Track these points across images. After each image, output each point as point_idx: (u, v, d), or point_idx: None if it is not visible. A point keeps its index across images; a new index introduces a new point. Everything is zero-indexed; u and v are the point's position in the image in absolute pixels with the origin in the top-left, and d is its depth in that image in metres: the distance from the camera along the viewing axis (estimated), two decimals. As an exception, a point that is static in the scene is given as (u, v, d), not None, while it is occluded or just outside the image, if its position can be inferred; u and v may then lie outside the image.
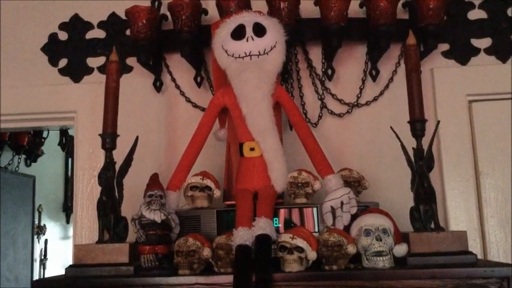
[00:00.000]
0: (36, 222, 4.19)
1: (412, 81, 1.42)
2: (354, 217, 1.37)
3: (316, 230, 1.39)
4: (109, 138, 1.43)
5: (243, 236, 1.26)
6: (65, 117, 1.91)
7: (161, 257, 1.33)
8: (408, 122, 1.40)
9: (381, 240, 1.28)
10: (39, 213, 4.23)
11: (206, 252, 1.29)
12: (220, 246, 1.30)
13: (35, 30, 1.95)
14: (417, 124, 1.39)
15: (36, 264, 4.14)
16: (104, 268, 1.31)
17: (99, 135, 1.44)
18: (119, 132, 1.44)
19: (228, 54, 1.47)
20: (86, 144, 1.84)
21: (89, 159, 1.83)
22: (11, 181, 3.71)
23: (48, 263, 4.26)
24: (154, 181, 1.43)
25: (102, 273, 1.31)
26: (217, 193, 1.48)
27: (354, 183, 1.49)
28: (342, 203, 1.36)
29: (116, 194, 1.42)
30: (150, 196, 1.37)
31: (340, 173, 1.50)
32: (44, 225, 4.30)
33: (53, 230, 4.42)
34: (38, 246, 4.21)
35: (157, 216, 1.33)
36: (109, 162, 1.43)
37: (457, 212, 1.74)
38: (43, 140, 3.87)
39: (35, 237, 4.14)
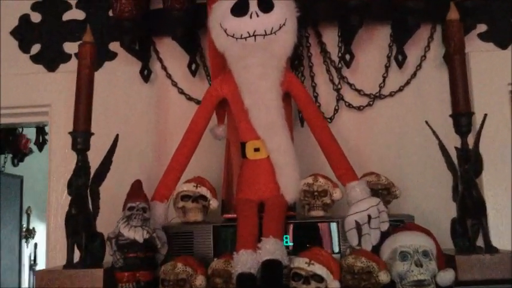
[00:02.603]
0: (25, 225, 4.07)
1: (455, 66, 1.22)
2: (384, 235, 1.15)
3: (337, 250, 1.18)
4: (81, 137, 1.22)
5: (245, 261, 1.04)
6: (37, 112, 1.69)
7: (144, 285, 1.11)
8: (450, 115, 1.22)
9: (421, 266, 1.05)
10: (28, 215, 4.10)
11: (199, 281, 1.08)
12: (218, 273, 1.09)
13: (3, 10, 1.72)
14: (462, 118, 1.19)
15: (25, 270, 3.97)
16: (72, 301, 1.07)
17: (69, 133, 1.24)
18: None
19: (228, 34, 1.25)
20: (61, 144, 1.59)
21: (65, 161, 1.58)
22: (-5, 182, 3.62)
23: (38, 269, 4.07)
24: (136, 190, 1.20)
25: (69, 308, 1.06)
26: (214, 204, 1.28)
27: (382, 192, 1.25)
28: (369, 217, 1.15)
29: (90, 205, 1.21)
30: (131, 209, 1.15)
31: (365, 178, 1.27)
32: (33, 228, 4.13)
33: (43, 233, 4.20)
34: (27, 251, 4.05)
35: (138, 235, 1.12)
36: (81, 166, 1.23)
37: (499, 223, 1.48)
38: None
39: (23, 241, 4.02)
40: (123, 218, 1.14)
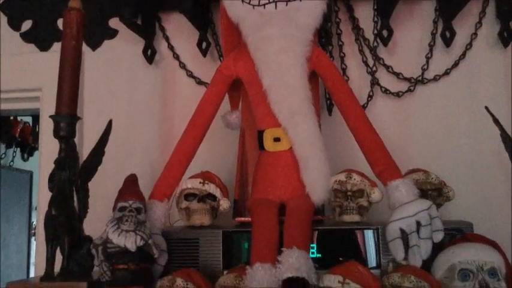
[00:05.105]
0: (35, 222, 3.97)
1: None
2: (437, 247, 0.96)
3: (375, 264, 1.01)
4: (64, 122, 1.06)
5: (262, 278, 0.88)
6: (28, 97, 1.57)
7: (136, 304, 0.94)
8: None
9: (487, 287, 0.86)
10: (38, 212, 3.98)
11: (203, 301, 0.88)
12: (227, 292, 0.91)
13: (-9, -17, 1.62)
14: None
15: (33, 270, 3.90)
16: (47, 322, 0.90)
17: (50, 117, 1.07)
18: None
19: (243, 1, 1.14)
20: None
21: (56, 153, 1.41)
22: (2, 177, 3.47)
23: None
24: (129, 186, 1.04)
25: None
26: (224, 204, 1.14)
27: (432, 193, 1.06)
28: (418, 225, 0.96)
29: (76, 204, 1.06)
30: (122, 209, 0.99)
31: (411, 176, 1.08)
32: (43, 225, 4.03)
33: (54, 231, 4.13)
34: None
35: (130, 242, 0.94)
36: (64, 157, 1.06)
37: None
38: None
39: (32, 239, 3.91)
40: (112, 220, 0.97)
